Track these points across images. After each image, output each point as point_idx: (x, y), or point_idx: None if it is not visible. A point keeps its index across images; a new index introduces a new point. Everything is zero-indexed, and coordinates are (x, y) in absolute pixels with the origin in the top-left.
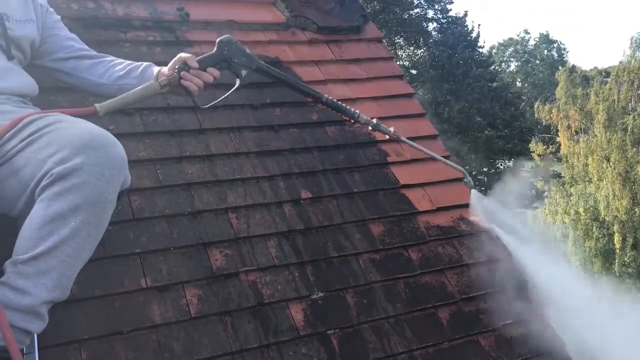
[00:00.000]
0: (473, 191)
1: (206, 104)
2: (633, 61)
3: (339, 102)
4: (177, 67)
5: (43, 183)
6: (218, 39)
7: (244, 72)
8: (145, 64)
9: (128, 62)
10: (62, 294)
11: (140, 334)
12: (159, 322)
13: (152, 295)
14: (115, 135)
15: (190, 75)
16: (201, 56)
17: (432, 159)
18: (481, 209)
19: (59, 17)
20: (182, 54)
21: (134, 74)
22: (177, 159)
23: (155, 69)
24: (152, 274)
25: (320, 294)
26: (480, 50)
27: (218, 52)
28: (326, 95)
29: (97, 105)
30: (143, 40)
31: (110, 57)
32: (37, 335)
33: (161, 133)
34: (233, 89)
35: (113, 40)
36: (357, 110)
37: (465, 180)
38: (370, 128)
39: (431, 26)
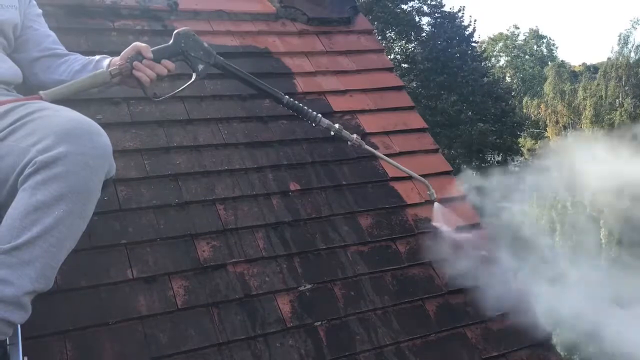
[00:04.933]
0: (436, 204)
1: (161, 95)
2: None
3: (300, 105)
4: (129, 56)
5: (26, 172)
6: (175, 31)
7: (200, 67)
8: (100, 56)
9: (89, 57)
10: (46, 285)
11: (126, 326)
12: (145, 314)
13: (139, 286)
14: (102, 124)
15: (143, 65)
16: (156, 47)
17: (420, 152)
18: (443, 220)
19: (40, 11)
20: (137, 43)
21: (89, 67)
22: (164, 149)
23: (109, 59)
24: (139, 265)
25: (308, 286)
26: (475, 45)
27: (174, 45)
28: (287, 97)
29: (41, 92)
30: (131, 29)
31: (75, 55)
32: (21, 326)
33: (148, 123)
34: (189, 83)
35: (100, 28)
36: (319, 115)
37: (428, 192)
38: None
39: (424, 20)
